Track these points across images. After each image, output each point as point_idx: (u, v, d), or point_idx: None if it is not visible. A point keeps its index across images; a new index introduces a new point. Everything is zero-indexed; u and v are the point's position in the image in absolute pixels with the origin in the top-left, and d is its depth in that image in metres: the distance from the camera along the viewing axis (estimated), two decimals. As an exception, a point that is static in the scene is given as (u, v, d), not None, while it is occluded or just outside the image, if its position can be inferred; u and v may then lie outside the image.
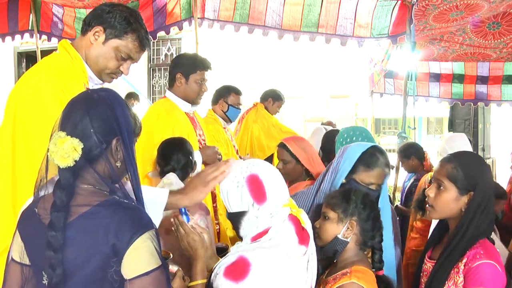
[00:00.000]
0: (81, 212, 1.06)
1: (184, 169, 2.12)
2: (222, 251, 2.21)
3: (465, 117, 6.42)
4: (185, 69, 2.55)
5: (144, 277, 1.03)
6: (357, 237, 1.57)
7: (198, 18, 3.90)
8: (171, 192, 1.45)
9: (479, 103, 5.38)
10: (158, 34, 4.09)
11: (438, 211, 1.57)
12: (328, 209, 1.60)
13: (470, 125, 6.40)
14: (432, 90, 5.35)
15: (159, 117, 2.45)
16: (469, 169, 1.54)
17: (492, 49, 4.26)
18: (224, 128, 3.41)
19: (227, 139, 3.32)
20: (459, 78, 5.21)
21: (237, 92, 3.45)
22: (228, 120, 3.44)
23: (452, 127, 6.59)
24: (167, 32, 4.11)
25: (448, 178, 1.54)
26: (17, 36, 4.46)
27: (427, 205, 1.61)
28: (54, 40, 4.34)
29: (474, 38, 4.05)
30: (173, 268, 1.44)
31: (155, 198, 1.42)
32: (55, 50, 1.71)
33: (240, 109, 3.50)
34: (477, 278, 1.40)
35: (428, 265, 1.60)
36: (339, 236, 1.55)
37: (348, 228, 1.55)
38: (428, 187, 1.69)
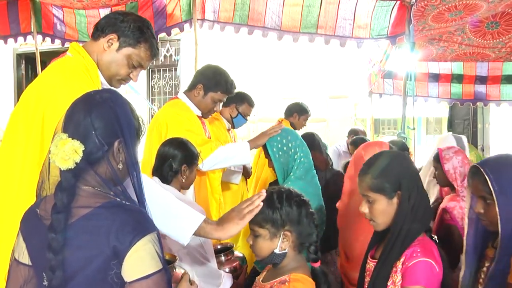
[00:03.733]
0: (82, 213, 1.06)
1: (160, 173, 2.07)
2: (226, 250, 2.22)
3: (464, 117, 6.43)
4: (209, 84, 2.54)
5: (144, 280, 1.03)
6: (294, 243, 1.47)
7: (199, 19, 3.91)
8: (207, 221, 1.46)
9: (478, 103, 5.38)
10: (158, 36, 4.09)
11: (380, 223, 1.54)
12: (255, 226, 1.46)
13: (469, 125, 6.41)
14: (431, 90, 5.36)
15: (173, 117, 2.46)
16: (386, 171, 1.52)
17: (490, 49, 4.26)
18: (228, 130, 3.41)
19: (229, 140, 3.32)
20: (458, 78, 5.21)
21: (250, 104, 3.43)
22: (232, 125, 3.42)
23: (451, 127, 6.61)
24: (168, 34, 4.12)
25: (371, 190, 1.52)
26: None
27: (369, 220, 1.57)
28: (56, 41, 4.35)
29: (473, 38, 4.06)
30: (179, 271, 1.44)
31: (189, 220, 1.45)
32: (55, 51, 1.73)
33: (247, 120, 3.47)
34: (413, 277, 1.40)
35: (371, 264, 1.59)
36: (276, 251, 1.45)
37: (284, 240, 1.45)
38: None
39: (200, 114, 2.62)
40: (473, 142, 6.33)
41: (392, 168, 1.53)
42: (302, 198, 1.51)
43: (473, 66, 5.07)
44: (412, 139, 4.59)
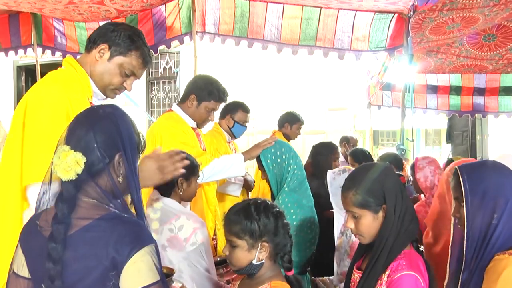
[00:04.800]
0: (82, 225, 1.06)
1: (159, 186, 2.03)
2: (225, 262, 2.20)
3: (463, 129, 6.44)
4: (201, 93, 2.55)
5: None
6: (271, 253, 1.49)
7: (199, 32, 3.94)
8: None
9: (476, 115, 5.41)
10: (158, 48, 4.12)
11: (367, 237, 1.52)
12: (233, 237, 1.48)
13: (468, 137, 6.42)
14: (430, 102, 5.38)
15: (167, 130, 2.45)
16: (369, 185, 1.49)
17: (488, 61, 4.30)
18: (229, 142, 3.41)
19: (229, 152, 3.31)
20: (456, 90, 5.24)
21: (245, 110, 3.41)
22: (233, 136, 3.41)
23: (450, 138, 6.62)
24: (168, 46, 4.14)
25: (356, 206, 1.50)
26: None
27: (355, 235, 1.57)
28: (56, 53, 4.38)
29: (471, 50, 4.10)
30: (177, 284, 1.43)
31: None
32: (55, 64, 1.75)
33: (246, 127, 3.44)
34: None
35: (356, 275, 1.57)
36: (254, 262, 1.47)
37: (261, 251, 1.47)
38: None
39: (194, 126, 2.62)
40: (472, 153, 6.34)
41: (375, 183, 1.50)
42: (278, 209, 1.54)
43: (471, 78, 5.10)
44: (411, 151, 4.60)
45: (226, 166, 2.44)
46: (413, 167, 2.76)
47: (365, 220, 1.49)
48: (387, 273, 1.44)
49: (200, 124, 2.64)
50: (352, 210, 1.51)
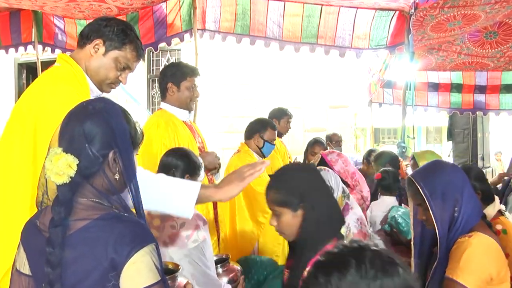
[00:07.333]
0: (80, 226, 1.05)
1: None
2: (222, 261, 2.21)
3: (464, 126, 6.44)
4: (175, 78, 2.59)
5: None
6: None
7: (200, 29, 3.94)
8: (205, 186, 1.51)
9: (477, 112, 5.40)
10: (159, 45, 4.12)
11: (288, 234, 1.54)
12: None
13: (469, 134, 6.42)
14: (431, 100, 5.38)
15: (159, 127, 2.46)
16: (287, 184, 1.52)
17: (489, 58, 4.30)
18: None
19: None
20: (457, 88, 5.24)
21: (273, 127, 3.33)
22: (262, 155, 3.31)
23: (451, 136, 6.61)
24: (169, 44, 4.14)
25: (275, 204, 1.52)
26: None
27: (280, 233, 1.58)
28: (57, 51, 4.38)
29: (472, 47, 4.09)
30: (182, 281, 1.43)
31: (187, 190, 1.48)
32: (55, 61, 1.75)
33: (274, 145, 3.36)
34: None
35: (287, 275, 1.62)
36: None
37: None
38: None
39: (186, 119, 2.63)
40: (473, 151, 6.34)
41: (294, 182, 1.52)
42: None
43: (472, 75, 5.10)
44: (412, 149, 4.59)
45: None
46: (325, 163, 2.81)
47: (284, 218, 1.51)
48: (307, 269, 1.44)
49: (189, 105, 2.65)
50: (272, 207, 1.53)
